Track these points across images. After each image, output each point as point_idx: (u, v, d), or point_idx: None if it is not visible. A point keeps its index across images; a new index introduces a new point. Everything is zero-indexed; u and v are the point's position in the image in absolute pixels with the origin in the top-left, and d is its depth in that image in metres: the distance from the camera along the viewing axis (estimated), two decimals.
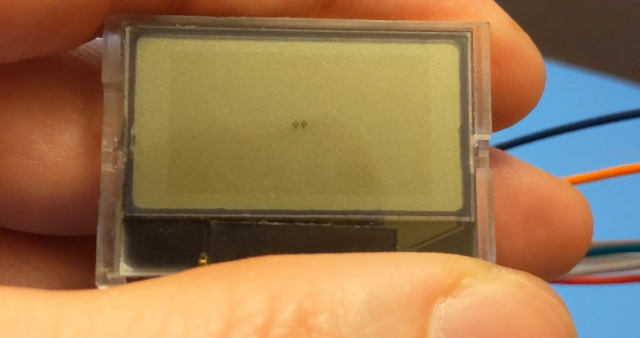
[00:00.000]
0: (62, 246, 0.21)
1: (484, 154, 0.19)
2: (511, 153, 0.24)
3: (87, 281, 0.21)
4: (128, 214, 0.18)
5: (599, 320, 0.47)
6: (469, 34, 0.19)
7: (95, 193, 0.19)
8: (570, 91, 0.58)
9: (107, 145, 0.18)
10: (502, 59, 0.20)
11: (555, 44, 0.63)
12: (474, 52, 0.19)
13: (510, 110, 0.20)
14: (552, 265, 0.21)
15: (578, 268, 0.27)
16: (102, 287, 0.18)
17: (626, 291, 0.32)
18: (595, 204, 0.24)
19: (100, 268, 0.18)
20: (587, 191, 0.24)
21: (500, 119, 0.20)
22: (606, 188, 0.31)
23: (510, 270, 0.16)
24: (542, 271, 0.21)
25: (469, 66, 0.19)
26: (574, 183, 0.28)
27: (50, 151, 0.19)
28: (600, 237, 0.26)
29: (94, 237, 0.18)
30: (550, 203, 0.21)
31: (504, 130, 0.21)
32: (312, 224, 0.18)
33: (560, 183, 0.22)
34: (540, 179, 0.21)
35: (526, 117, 0.21)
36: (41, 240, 0.21)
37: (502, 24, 0.20)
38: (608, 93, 0.58)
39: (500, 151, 0.21)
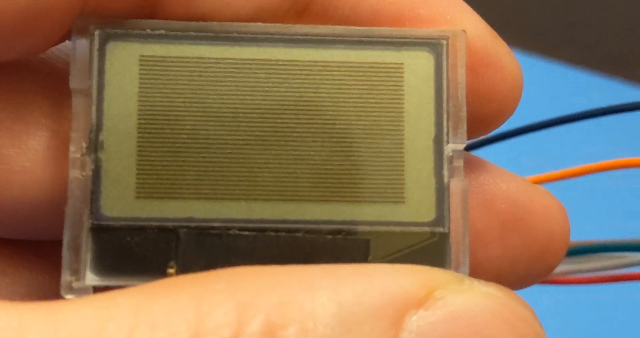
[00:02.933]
0: (30, 251, 0.21)
1: (459, 164, 0.18)
2: (483, 151, 0.24)
3: (55, 287, 0.20)
4: (95, 222, 0.18)
5: (577, 319, 0.47)
6: (444, 42, 0.19)
7: (63, 198, 0.18)
8: (552, 84, 0.58)
9: (75, 151, 0.18)
10: (479, 66, 0.19)
11: (537, 37, 0.63)
12: (450, 60, 0.19)
13: (487, 118, 0.20)
14: (528, 272, 0.21)
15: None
16: (68, 296, 0.17)
17: (603, 291, 0.32)
18: (574, 203, 0.24)
19: (66, 277, 0.17)
20: (564, 189, 0.24)
21: (477, 127, 0.20)
22: (584, 185, 0.31)
23: (482, 281, 0.16)
24: (518, 278, 0.21)
25: (444, 74, 0.19)
26: (549, 180, 0.28)
27: (18, 156, 0.19)
28: (577, 237, 0.26)
29: (61, 243, 0.18)
30: (526, 210, 0.21)
31: None
32: (284, 233, 0.18)
33: (536, 189, 0.22)
34: (517, 185, 0.21)
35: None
36: (8, 244, 0.21)
37: (479, 31, 0.19)
38: (589, 87, 0.58)
39: (476, 157, 0.21)
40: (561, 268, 0.27)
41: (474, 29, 0.19)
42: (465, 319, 0.16)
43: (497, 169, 0.21)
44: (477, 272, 0.20)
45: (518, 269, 0.21)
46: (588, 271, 0.27)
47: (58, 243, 0.20)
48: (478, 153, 0.22)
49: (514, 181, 0.21)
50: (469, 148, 0.24)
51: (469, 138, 0.19)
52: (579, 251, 0.27)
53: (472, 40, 0.19)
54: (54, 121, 0.19)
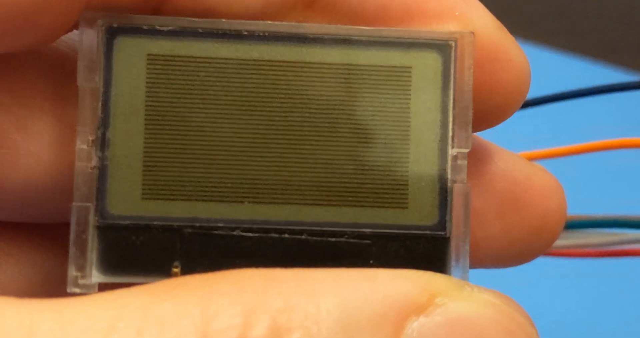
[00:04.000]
0: (35, 233, 0.21)
1: (462, 168, 0.18)
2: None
3: (60, 267, 0.21)
4: (101, 220, 0.18)
5: (572, 292, 0.48)
6: (452, 43, 0.19)
7: (68, 181, 0.18)
8: (546, 71, 0.57)
9: (82, 143, 0.18)
10: (487, 61, 0.19)
11: (532, 25, 0.63)
12: (457, 62, 0.18)
13: (494, 111, 0.20)
14: (526, 249, 0.22)
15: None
16: (74, 290, 0.18)
17: (597, 266, 0.33)
18: (569, 180, 0.24)
19: (72, 272, 0.17)
20: (559, 166, 0.25)
21: (484, 120, 0.20)
22: (579, 163, 0.31)
23: (482, 289, 0.17)
24: (516, 255, 0.21)
25: (452, 76, 0.18)
26: (548, 156, 0.28)
27: (23, 140, 0.19)
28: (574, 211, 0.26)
29: (68, 224, 0.18)
30: (524, 188, 0.21)
31: None
32: (287, 235, 0.18)
33: (534, 167, 0.22)
34: (515, 164, 0.21)
35: None
36: (14, 227, 0.21)
37: (487, 26, 0.19)
38: (583, 73, 0.58)
39: (475, 135, 0.21)
40: (556, 242, 0.27)
41: (483, 23, 0.19)
42: (464, 326, 0.16)
43: (495, 147, 0.21)
44: (476, 250, 0.20)
45: (516, 246, 0.21)
46: (583, 246, 0.28)
47: (62, 226, 0.20)
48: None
49: (511, 160, 0.21)
50: None
51: (475, 130, 0.19)
52: (574, 225, 0.27)
53: (481, 34, 0.19)
54: (59, 105, 0.19)
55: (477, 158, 0.21)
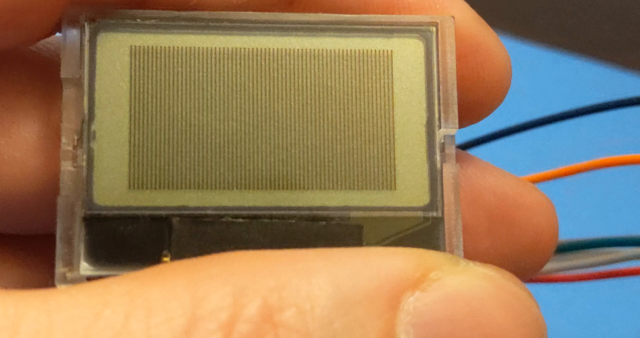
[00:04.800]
0: (18, 245, 0.21)
1: (450, 149, 0.18)
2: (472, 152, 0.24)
3: (44, 283, 0.20)
4: (88, 212, 0.17)
5: (566, 317, 0.47)
6: (433, 28, 0.19)
7: (54, 189, 0.18)
8: (541, 71, 0.58)
9: (67, 143, 0.18)
10: (468, 54, 0.20)
11: (525, 23, 0.63)
12: (439, 46, 0.19)
13: (476, 106, 0.20)
14: (518, 267, 0.21)
15: (545, 266, 0.27)
16: (62, 287, 0.17)
17: (593, 288, 0.32)
18: (561, 201, 0.24)
19: (59, 268, 0.17)
20: (550, 187, 0.24)
21: (466, 116, 0.20)
22: (566, 185, 0.31)
23: (478, 263, 0.16)
24: None
25: (434, 60, 0.19)
26: (535, 181, 0.28)
27: (8, 146, 0.19)
28: (565, 235, 0.26)
29: (53, 236, 0.18)
30: (515, 204, 0.21)
31: (463, 129, 0.21)
32: (277, 220, 0.18)
33: (524, 184, 0.22)
34: (505, 180, 0.21)
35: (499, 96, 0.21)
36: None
37: (467, 20, 0.20)
38: (579, 73, 0.58)
39: (463, 152, 0.21)
40: (551, 265, 0.27)
41: (462, 16, 0.19)
42: (462, 299, 0.16)
43: (485, 164, 0.21)
44: None
45: (507, 264, 0.21)
46: (578, 267, 0.27)
47: (47, 237, 0.20)
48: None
49: (502, 176, 0.21)
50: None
51: (459, 127, 0.19)
52: (567, 248, 0.27)
53: (460, 28, 0.19)
54: (44, 111, 0.19)
55: (466, 172, 0.21)
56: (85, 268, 0.17)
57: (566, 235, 0.25)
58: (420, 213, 0.18)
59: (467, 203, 0.21)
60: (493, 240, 0.21)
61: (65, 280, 0.17)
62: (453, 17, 0.19)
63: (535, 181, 0.28)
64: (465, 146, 0.27)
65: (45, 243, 0.21)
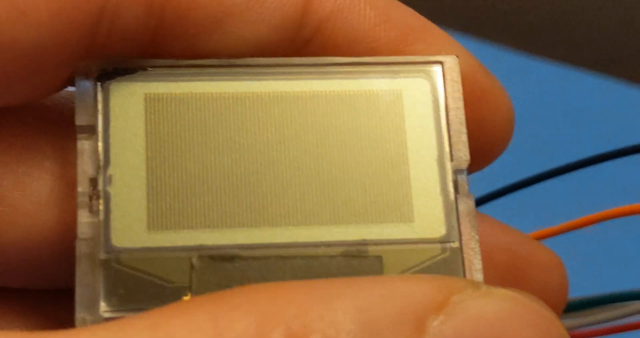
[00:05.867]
0: (29, 301, 0.21)
1: (463, 181, 0.19)
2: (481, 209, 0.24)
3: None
4: (106, 254, 0.17)
5: None
6: (439, 67, 0.19)
7: (67, 241, 0.18)
8: (543, 83, 0.57)
9: (83, 193, 0.18)
10: (472, 101, 0.20)
11: (530, 37, 0.63)
12: (446, 84, 0.19)
13: (481, 151, 0.20)
14: None
15: None
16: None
17: None
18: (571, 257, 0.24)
19: (79, 313, 0.17)
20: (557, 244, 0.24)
21: (472, 162, 0.20)
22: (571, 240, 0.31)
23: (499, 286, 0.16)
24: None
25: (441, 97, 0.19)
26: (538, 238, 0.28)
27: (22, 198, 0.19)
28: (575, 293, 0.25)
29: (65, 291, 0.18)
30: (526, 263, 0.21)
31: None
32: (296, 256, 0.18)
33: (535, 243, 0.22)
34: (516, 238, 0.21)
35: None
36: (5, 294, 0.20)
37: (471, 66, 0.20)
38: (581, 86, 0.58)
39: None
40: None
41: (466, 64, 0.20)
42: (487, 322, 0.15)
43: (496, 222, 0.22)
44: None
45: None
46: (588, 324, 0.27)
47: (59, 293, 0.20)
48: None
49: (513, 234, 0.21)
50: None
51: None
52: (578, 307, 0.27)
53: (464, 75, 0.20)
54: (59, 164, 0.19)
55: (478, 230, 0.21)
56: (105, 310, 0.17)
57: (573, 289, 0.25)
58: (437, 245, 0.18)
59: None
60: None
61: (85, 323, 0.17)
62: (457, 56, 0.20)
63: (538, 238, 0.28)
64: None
65: (57, 298, 0.20)
